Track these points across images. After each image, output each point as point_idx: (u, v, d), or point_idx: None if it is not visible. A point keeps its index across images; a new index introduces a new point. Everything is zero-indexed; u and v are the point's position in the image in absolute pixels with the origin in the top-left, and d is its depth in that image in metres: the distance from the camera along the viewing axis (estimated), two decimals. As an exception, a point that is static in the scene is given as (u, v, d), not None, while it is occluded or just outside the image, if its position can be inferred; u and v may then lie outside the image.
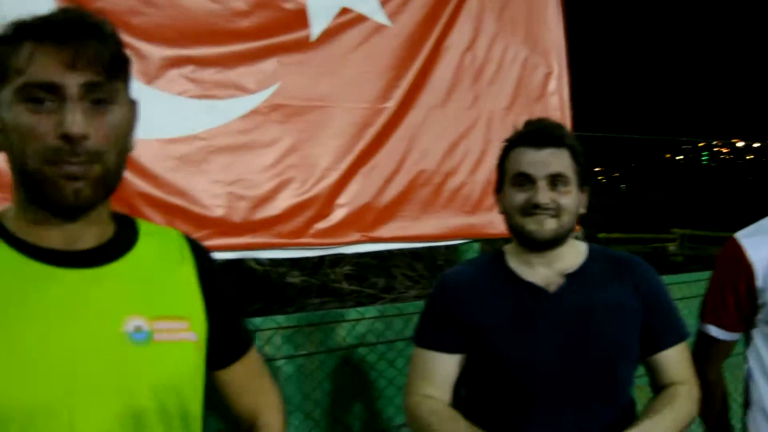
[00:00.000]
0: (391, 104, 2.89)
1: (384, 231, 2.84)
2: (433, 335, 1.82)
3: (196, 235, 2.42)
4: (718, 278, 2.05)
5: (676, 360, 1.78)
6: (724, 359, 2.10)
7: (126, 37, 2.37)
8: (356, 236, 2.78)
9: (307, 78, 2.73)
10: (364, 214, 2.80)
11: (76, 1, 2.34)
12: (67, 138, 1.04)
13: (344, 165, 2.77)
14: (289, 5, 2.70)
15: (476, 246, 3.11)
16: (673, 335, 1.79)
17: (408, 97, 2.92)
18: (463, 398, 1.83)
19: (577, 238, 3.49)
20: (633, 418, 1.73)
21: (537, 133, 1.76)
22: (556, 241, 1.73)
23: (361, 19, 2.85)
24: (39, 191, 1.08)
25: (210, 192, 2.51)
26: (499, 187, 1.84)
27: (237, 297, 1.41)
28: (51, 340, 1.07)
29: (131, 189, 2.38)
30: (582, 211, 1.82)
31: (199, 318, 1.23)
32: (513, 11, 3.22)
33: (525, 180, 1.72)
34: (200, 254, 1.31)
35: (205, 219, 2.48)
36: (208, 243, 2.45)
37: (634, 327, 1.74)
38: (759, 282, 1.94)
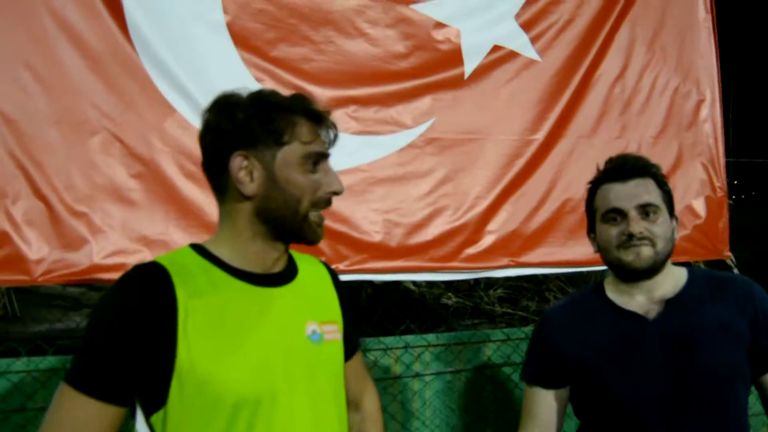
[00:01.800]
0: (540, 135, 3.10)
1: (531, 257, 3.05)
2: (536, 371, 1.94)
3: (356, 258, 2.80)
4: None
5: None
6: None
7: (298, 81, 2.78)
8: (504, 261, 3.01)
9: (460, 112, 3.00)
10: (513, 241, 3.03)
11: (258, 53, 2.74)
12: (335, 193, 1.51)
13: (494, 194, 3.01)
14: (444, 46, 2.99)
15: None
16: None
17: (556, 129, 3.13)
18: (579, 428, 1.96)
19: (730, 263, 3.55)
20: None
21: (620, 168, 1.85)
22: (653, 269, 1.79)
23: (512, 55, 3.09)
24: (298, 230, 1.47)
25: (369, 219, 2.83)
26: (591, 227, 1.93)
27: (354, 308, 1.83)
28: (262, 342, 1.42)
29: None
30: (676, 237, 1.87)
31: (341, 323, 1.63)
32: (664, 40, 3.35)
33: (616, 214, 1.80)
34: (334, 276, 1.72)
35: (364, 244, 2.80)
36: (366, 266, 2.81)
37: (740, 346, 1.77)
38: None
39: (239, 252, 1.47)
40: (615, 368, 1.79)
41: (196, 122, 2.70)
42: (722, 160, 3.40)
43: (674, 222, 1.88)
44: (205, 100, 2.65)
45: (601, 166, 1.93)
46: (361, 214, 2.83)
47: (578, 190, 3.14)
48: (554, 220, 3.09)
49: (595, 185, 1.91)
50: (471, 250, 2.97)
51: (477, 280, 5.21)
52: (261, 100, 1.47)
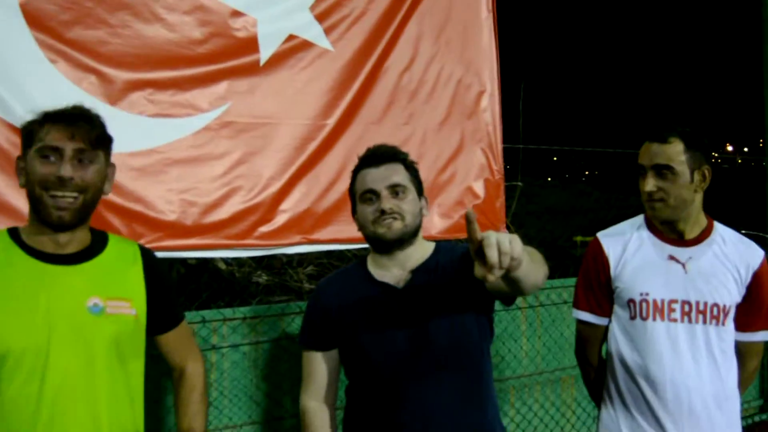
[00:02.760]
0: (332, 121, 3.36)
1: (323, 234, 3.32)
2: (310, 335, 2.27)
3: (151, 236, 2.94)
4: (586, 271, 2.57)
5: None
6: (602, 342, 2.61)
7: (93, 64, 2.87)
8: (297, 238, 3.26)
9: (255, 98, 3.20)
10: (305, 219, 3.27)
11: (52, 35, 2.81)
12: (61, 179, 1.81)
13: (287, 175, 3.24)
14: (241, 33, 3.17)
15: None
16: None
17: (347, 115, 3.40)
18: (346, 388, 2.27)
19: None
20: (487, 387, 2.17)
21: (373, 155, 2.20)
22: (403, 240, 2.13)
23: (306, 44, 3.32)
24: (40, 212, 1.84)
25: (165, 198, 2.98)
26: (354, 209, 2.26)
27: (172, 288, 2.20)
28: (39, 308, 1.80)
29: (95, 196, 2.84)
30: (425, 214, 2.25)
31: (140, 300, 1.98)
32: (449, 35, 3.69)
33: (371, 194, 2.14)
34: (147, 258, 2.08)
35: (160, 222, 2.95)
36: (162, 243, 2.96)
37: (465, 301, 2.11)
38: (612, 272, 2.48)
39: (31, 234, 1.89)
40: (369, 331, 2.12)
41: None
42: (500, 146, 3.81)
43: (423, 201, 2.25)
44: (-7, 78, 2.74)
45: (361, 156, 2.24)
46: (157, 194, 2.97)
47: (368, 172, 3.43)
48: (344, 200, 3.31)
49: (355, 172, 2.23)
50: (265, 228, 3.18)
51: (290, 259, 5.44)
52: (31, 118, 1.91)
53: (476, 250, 1.53)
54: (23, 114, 2.75)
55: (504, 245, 1.48)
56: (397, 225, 2.12)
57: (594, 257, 2.56)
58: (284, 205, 3.24)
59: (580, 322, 2.62)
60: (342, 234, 3.35)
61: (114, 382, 1.90)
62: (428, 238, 3.60)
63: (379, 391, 2.11)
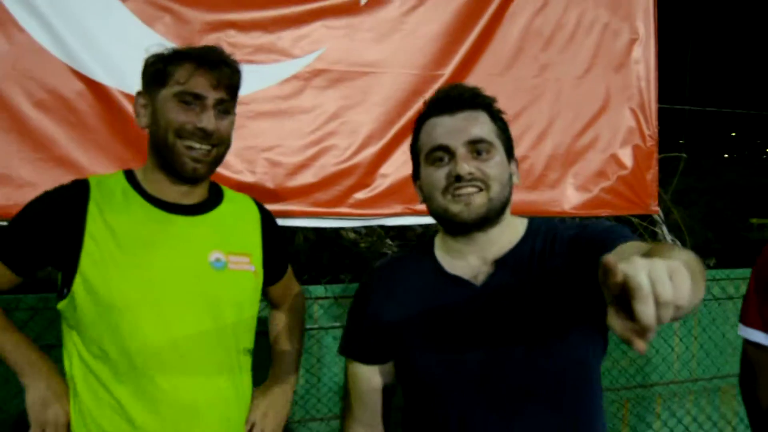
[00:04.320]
0: (447, 71, 2.87)
1: (431, 204, 2.85)
2: (352, 343, 1.70)
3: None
4: (762, 273, 1.91)
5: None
6: None
7: (168, 3, 2.54)
8: (399, 208, 2.81)
9: (354, 42, 2.77)
10: (409, 186, 2.80)
11: None
12: (202, 131, 1.66)
13: (390, 134, 2.79)
14: (339, -35, 2.73)
15: (537, 225, 3.05)
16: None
17: (465, 64, 2.90)
18: (402, 414, 1.71)
19: (658, 218, 3.34)
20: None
21: (446, 98, 1.57)
22: (486, 219, 1.52)
23: (417, -20, 2.84)
24: (170, 161, 1.67)
25: (244, 157, 2.62)
26: (416, 173, 1.65)
27: (285, 242, 2.08)
28: (159, 261, 1.65)
29: (165, 152, 2.52)
30: (515, 182, 1.63)
31: (258, 255, 1.84)
32: (594, -30, 3.09)
33: (443, 153, 1.53)
34: (264, 214, 1.94)
35: (238, 184, 2.58)
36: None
37: (568, 307, 1.48)
38: None
39: (151, 180, 1.74)
40: (432, 342, 1.54)
41: (48, 44, 2.49)
42: (654, 107, 3.18)
43: (513, 165, 1.63)
44: (58, 19, 2.47)
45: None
46: (235, 152, 2.60)
47: (488, 133, 2.93)
48: (459, 166, 2.88)
49: (420, 121, 1.63)
50: (361, 195, 2.76)
51: (425, 229, 4.98)
52: (159, 51, 1.71)
53: (616, 295, 0.95)
54: (89, 61, 2.53)
55: (664, 292, 0.89)
56: (479, 200, 1.50)
57: None
58: (385, 169, 2.79)
59: (749, 343, 1.95)
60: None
61: (238, 341, 1.77)
62: (560, 215, 3.13)
63: (442, 423, 1.54)
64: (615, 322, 0.95)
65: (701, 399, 3.56)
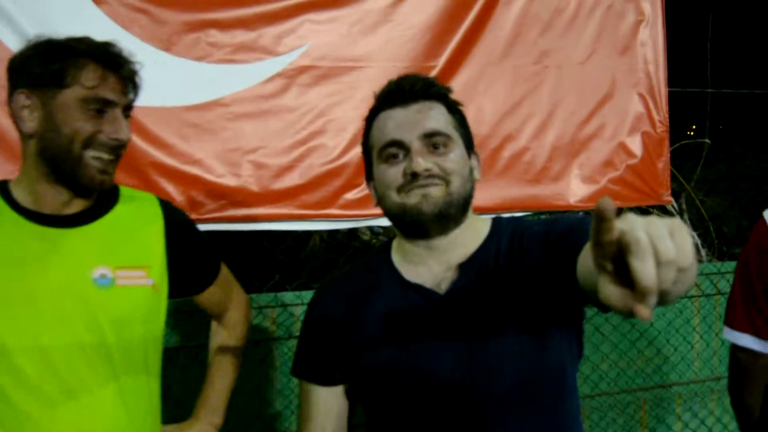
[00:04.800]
0: (439, 62, 2.75)
1: (427, 202, 2.74)
2: (308, 364, 1.55)
3: (212, 204, 2.51)
4: (747, 272, 1.77)
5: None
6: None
7: (142, 4, 2.47)
8: (392, 208, 2.70)
9: (339, 36, 2.66)
10: (402, 184, 2.71)
11: None
12: (116, 141, 1.49)
13: (380, 130, 2.68)
14: (323, -44, 2.63)
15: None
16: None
17: (458, 54, 2.78)
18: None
19: (672, 209, 3.18)
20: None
21: (398, 90, 1.44)
22: (447, 217, 1.39)
23: (405, -33, 2.72)
24: (72, 173, 1.47)
25: (228, 160, 2.53)
26: (369, 173, 1.51)
27: (202, 244, 1.78)
28: (38, 281, 1.46)
29: (144, 158, 2.45)
30: (477, 177, 1.47)
31: (159, 266, 1.60)
32: (596, -52, 2.94)
33: (397, 149, 1.40)
34: (170, 214, 1.68)
35: (221, 188, 2.52)
36: (225, 213, 2.53)
37: (538, 308, 1.36)
38: None
39: (29, 191, 1.52)
40: (395, 359, 1.41)
41: (15, 46, 2.43)
42: (664, 90, 3.01)
43: (474, 159, 1.49)
44: (33, 27, 2.41)
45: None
46: (218, 155, 2.53)
47: (486, 125, 2.82)
48: (455, 160, 2.76)
49: (371, 116, 1.50)
50: (351, 195, 2.66)
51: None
52: (49, 41, 1.50)
53: (608, 256, 0.83)
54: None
55: (665, 250, 0.77)
56: (437, 194, 1.38)
57: (759, 250, 1.74)
58: (376, 167, 2.68)
59: (737, 348, 1.81)
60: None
61: (129, 367, 1.55)
62: (565, 209, 2.99)
63: None
64: (610, 290, 0.83)
65: (725, 398, 3.38)
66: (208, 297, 1.81)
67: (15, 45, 2.39)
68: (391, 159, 1.41)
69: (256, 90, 2.58)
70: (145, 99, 2.39)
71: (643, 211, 3.43)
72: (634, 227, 0.77)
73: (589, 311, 1.13)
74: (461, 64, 2.78)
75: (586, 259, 1.13)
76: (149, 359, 1.60)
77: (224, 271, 1.86)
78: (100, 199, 1.59)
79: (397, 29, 2.71)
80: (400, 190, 1.40)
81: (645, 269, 0.75)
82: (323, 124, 2.63)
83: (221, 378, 1.82)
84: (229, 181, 2.54)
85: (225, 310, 1.87)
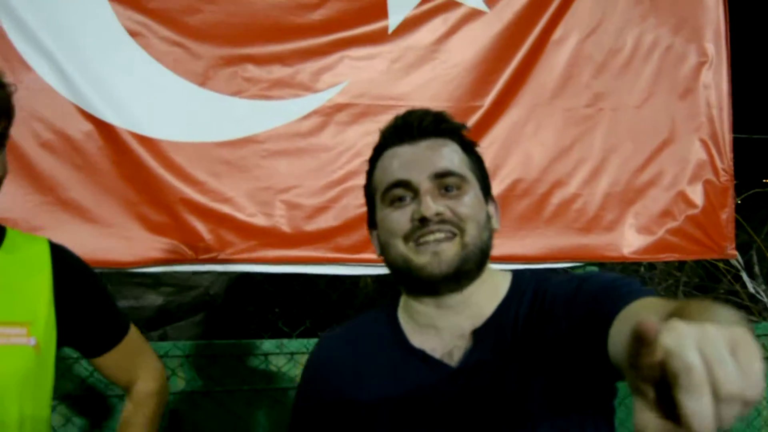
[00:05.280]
0: (485, 102, 2.62)
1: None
2: (305, 429, 1.36)
3: (242, 245, 2.41)
4: None
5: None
6: None
7: (178, 38, 2.42)
8: (431, 253, 2.56)
9: (380, 74, 2.56)
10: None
11: (131, 4, 2.40)
12: None
13: (420, 172, 2.56)
14: (366, -7, 2.55)
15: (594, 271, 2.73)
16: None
17: (505, 94, 2.64)
18: None
19: (737, 263, 2.94)
20: None
21: (404, 126, 1.30)
22: (461, 273, 1.21)
23: (450, 4, 2.63)
24: None
25: (259, 199, 2.44)
26: (371, 222, 1.36)
27: (102, 298, 1.57)
28: None
29: (173, 194, 2.37)
30: (495, 227, 1.31)
31: (44, 322, 1.40)
32: (653, -14, 2.80)
33: (403, 190, 1.24)
34: (61, 262, 1.47)
35: (252, 228, 2.41)
36: (255, 255, 2.42)
37: (568, 387, 1.15)
38: None
39: None
40: None
41: (55, 83, 2.40)
42: (728, 137, 2.82)
43: (491, 206, 1.33)
44: (66, 58, 2.37)
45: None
46: (250, 193, 2.43)
47: (534, 170, 2.66)
48: (500, 205, 2.57)
49: (375, 155, 1.36)
50: (388, 239, 2.52)
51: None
52: None
53: (649, 381, 0.63)
54: (96, 100, 2.41)
55: (727, 380, 0.58)
56: (450, 251, 1.20)
57: None
58: (415, 211, 2.55)
59: None
60: (497, 250, 2.57)
61: None
62: (618, 260, 2.79)
63: None
64: (648, 420, 0.63)
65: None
66: (110, 363, 1.60)
67: (44, 71, 2.37)
68: (396, 202, 1.25)
69: (291, 127, 2.49)
70: (176, 134, 2.43)
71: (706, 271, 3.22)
72: (684, 347, 0.59)
73: (623, 387, 0.92)
74: (508, 104, 2.64)
75: (619, 334, 0.97)
76: (25, 430, 1.37)
77: (133, 335, 1.64)
78: None
79: (441, 67, 2.60)
80: (408, 238, 1.23)
81: (699, 408, 0.58)
82: (360, 164, 2.51)
83: None
84: (261, 221, 2.43)
85: (133, 381, 1.64)
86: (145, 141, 2.37)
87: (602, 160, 2.71)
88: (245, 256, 2.41)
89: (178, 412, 2.42)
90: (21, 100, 2.34)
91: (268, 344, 2.57)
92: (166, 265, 2.38)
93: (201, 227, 2.39)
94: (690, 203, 2.76)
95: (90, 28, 2.39)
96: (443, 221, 1.21)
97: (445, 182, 1.23)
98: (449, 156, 1.26)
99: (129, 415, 1.62)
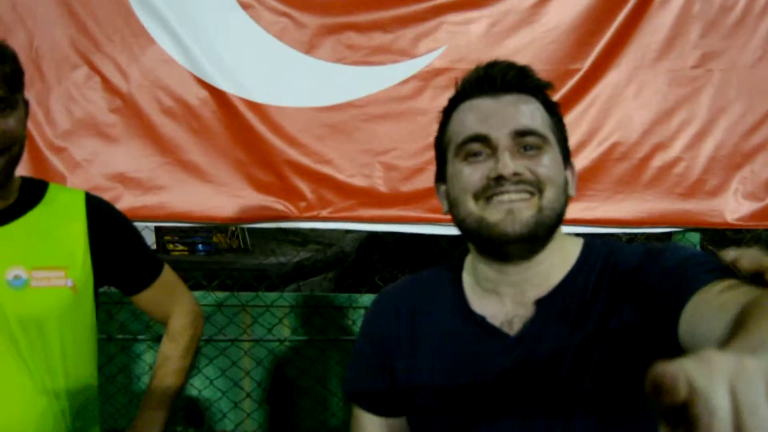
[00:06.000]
0: (585, 65, 2.62)
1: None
2: (362, 387, 1.35)
3: (342, 204, 2.56)
4: None
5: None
6: None
7: (285, 8, 2.58)
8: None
9: (478, 39, 2.62)
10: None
11: None
12: None
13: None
14: (464, -42, 2.61)
15: (694, 238, 2.68)
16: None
17: (606, 57, 2.62)
18: None
19: None
20: None
21: (486, 78, 1.19)
22: (534, 237, 1.14)
23: (549, -33, 2.62)
24: None
25: (359, 161, 2.58)
26: (441, 173, 1.27)
27: (136, 242, 1.72)
28: None
29: (279, 156, 2.55)
30: (571, 193, 1.21)
31: (80, 266, 1.55)
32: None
33: (480, 146, 1.16)
34: (95, 211, 1.62)
35: (351, 188, 2.56)
36: (354, 213, 2.57)
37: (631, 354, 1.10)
38: None
39: None
40: (448, 408, 1.21)
41: (176, 54, 2.63)
42: None
43: (569, 172, 1.23)
44: (185, 30, 2.60)
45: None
46: (350, 155, 2.58)
47: (634, 132, 2.64)
48: (597, 168, 2.61)
49: (450, 106, 1.25)
50: (481, 201, 2.60)
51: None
52: None
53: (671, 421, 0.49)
54: (211, 69, 2.62)
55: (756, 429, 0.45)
56: (527, 211, 1.13)
57: None
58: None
59: None
60: (591, 213, 2.61)
61: (45, 368, 1.52)
62: (722, 227, 2.73)
63: None
64: None
65: None
66: (146, 300, 1.74)
67: (165, 43, 2.61)
68: (471, 157, 1.17)
69: (391, 92, 2.60)
70: (282, 99, 2.60)
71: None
72: (713, 385, 0.47)
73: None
74: (609, 67, 2.62)
75: (693, 316, 0.94)
76: (68, 360, 1.54)
77: (167, 275, 1.78)
78: (21, 199, 1.55)
79: (540, 30, 2.62)
80: (479, 196, 1.15)
81: None
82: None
83: (162, 389, 1.76)
84: (359, 181, 2.58)
85: (167, 317, 1.79)
86: (253, 106, 2.57)
87: (708, 123, 2.64)
88: (344, 214, 2.57)
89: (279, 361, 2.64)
90: (146, 71, 2.62)
91: (366, 298, 2.73)
92: (272, 222, 2.58)
93: (304, 187, 2.56)
94: (808, 176, 2.65)
95: (206, 1, 2.60)
96: (521, 181, 1.13)
97: (525, 141, 1.15)
98: (531, 114, 1.17)
99: (165, 349, 1.79)
